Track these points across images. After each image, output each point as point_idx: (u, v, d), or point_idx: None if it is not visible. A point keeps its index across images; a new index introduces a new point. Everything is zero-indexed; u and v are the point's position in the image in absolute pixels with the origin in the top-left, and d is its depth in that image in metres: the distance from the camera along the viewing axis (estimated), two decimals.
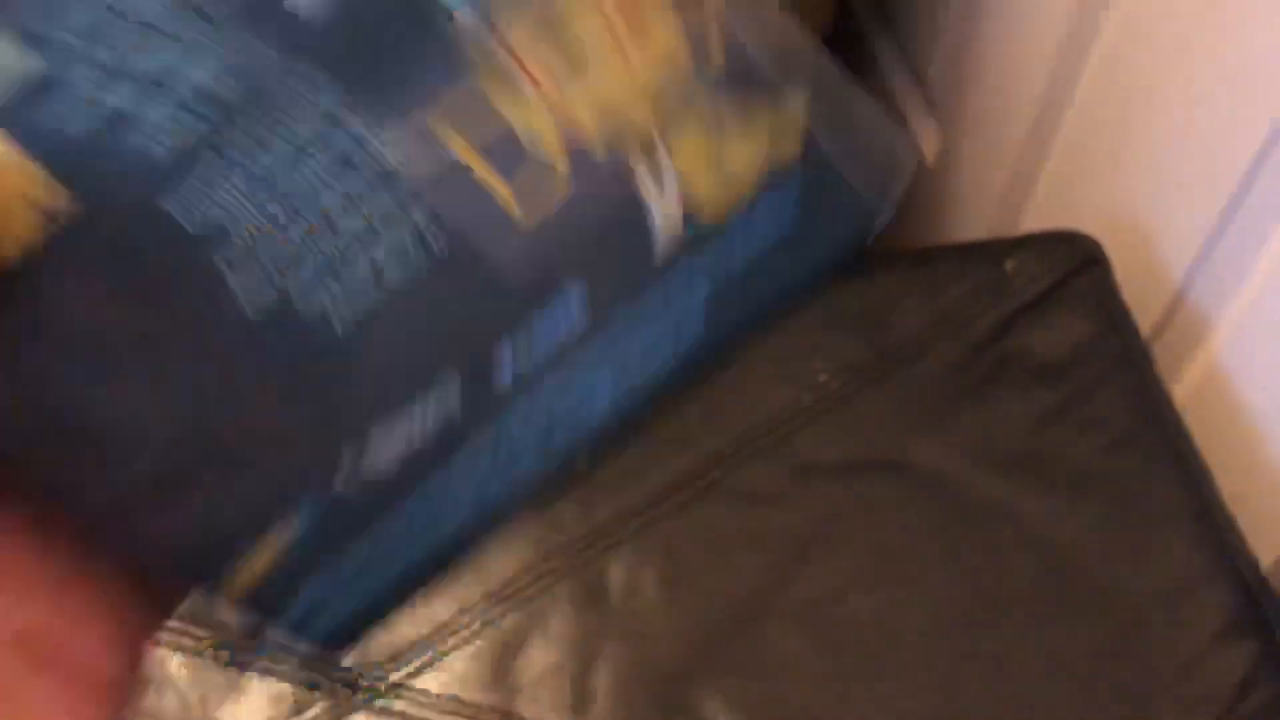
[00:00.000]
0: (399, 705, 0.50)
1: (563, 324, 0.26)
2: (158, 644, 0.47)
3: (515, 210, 0.24)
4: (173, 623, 0.49)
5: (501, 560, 0.53)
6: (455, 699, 0.50)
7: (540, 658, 0.50)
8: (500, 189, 0.24)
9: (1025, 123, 0.68)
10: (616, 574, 0.52)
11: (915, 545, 0.52)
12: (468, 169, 0.24)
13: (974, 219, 0.74)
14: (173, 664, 0.49)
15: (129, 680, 0.27)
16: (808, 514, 0.53)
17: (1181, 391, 0.60)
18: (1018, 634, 0.50)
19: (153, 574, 0.26)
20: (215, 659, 0.49)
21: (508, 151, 0.24)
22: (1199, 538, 0.52)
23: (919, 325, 0.59)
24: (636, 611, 0.52)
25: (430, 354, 0.25)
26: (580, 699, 0.49)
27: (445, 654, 0.50)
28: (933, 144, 0.78)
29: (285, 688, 0.49)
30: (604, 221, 0.25)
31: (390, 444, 0.25)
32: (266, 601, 0.26)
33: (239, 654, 0.49)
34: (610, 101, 0.25)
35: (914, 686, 0.48)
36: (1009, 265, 0.61)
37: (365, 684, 0.49)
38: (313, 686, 0.48)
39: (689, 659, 0.50)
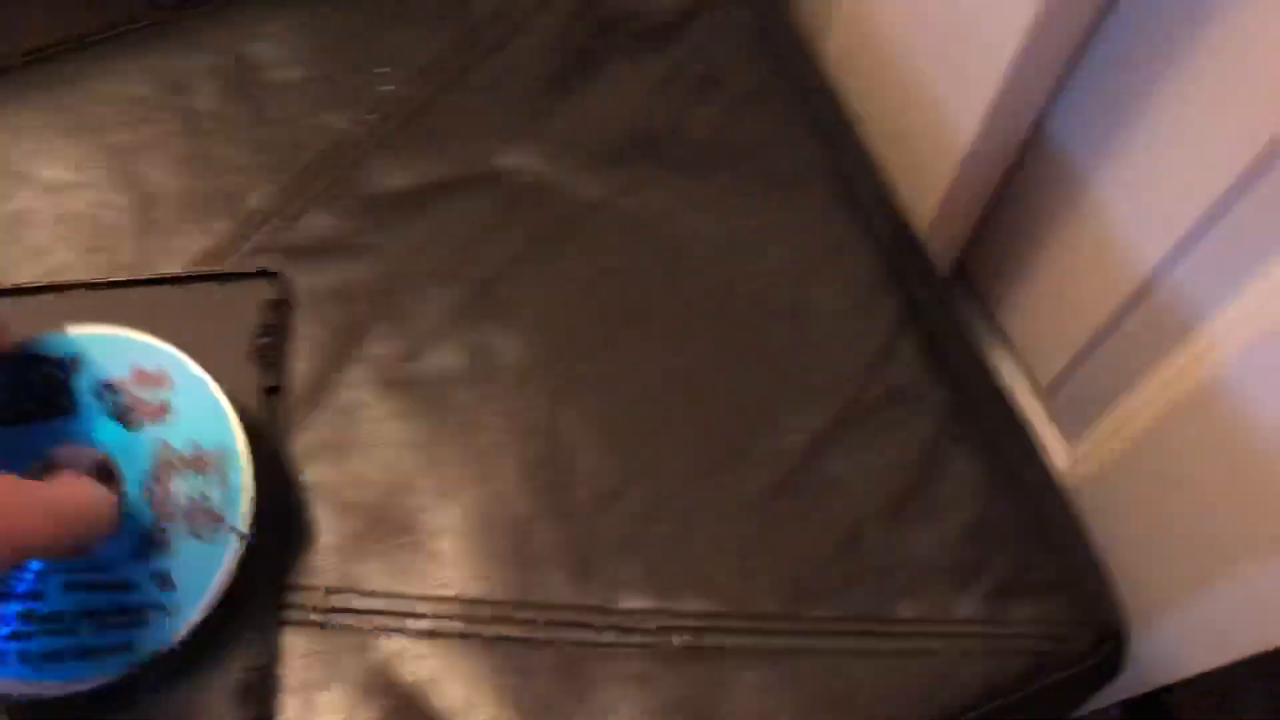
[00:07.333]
0: None
1: None
2: None
3: None
4: None
5: None
6: None
7: None
8: None
9: None
10: None
11: (511, 270, 0.44)
12: None
13: None
14: None
15: None
16: (385, 255, 0.45)
17: (836, 46, 0.51)
18: (632, 350, 0.43)
19: None
20: None
21: None
22: (834, 207, 0.45)
23: (500, 3, 0.49)
24: None
25: None
26: None
27: None
28: None
29: None
30: None
31: None
32: None
33: None
34: None
35: (510, 433, 0.42)
36: None
37: None
38: None
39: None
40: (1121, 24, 0.41)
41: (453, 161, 0.46)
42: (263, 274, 0.43)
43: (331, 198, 0.45)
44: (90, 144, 0.46)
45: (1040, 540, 0.38)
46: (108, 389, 0.39)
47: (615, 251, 0.44)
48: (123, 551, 0.37)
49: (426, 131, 0.46)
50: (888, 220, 0.45)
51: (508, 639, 0.39)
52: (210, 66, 0.47)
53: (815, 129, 0.46)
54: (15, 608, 0.37)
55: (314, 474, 0.41)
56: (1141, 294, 0.46)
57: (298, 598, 0.39)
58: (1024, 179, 0.51)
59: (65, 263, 0.44)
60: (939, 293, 0.44)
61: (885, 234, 0.44)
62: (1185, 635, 0.50)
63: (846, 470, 0.40)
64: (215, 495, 0.38)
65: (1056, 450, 0.56)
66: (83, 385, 0.39)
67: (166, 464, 0.38)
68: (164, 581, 0.37)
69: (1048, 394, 0.57)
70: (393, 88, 0.47)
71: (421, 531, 0.40)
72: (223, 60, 0.47)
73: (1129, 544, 0.52)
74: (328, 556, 0.40)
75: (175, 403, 0.39)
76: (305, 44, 0.47)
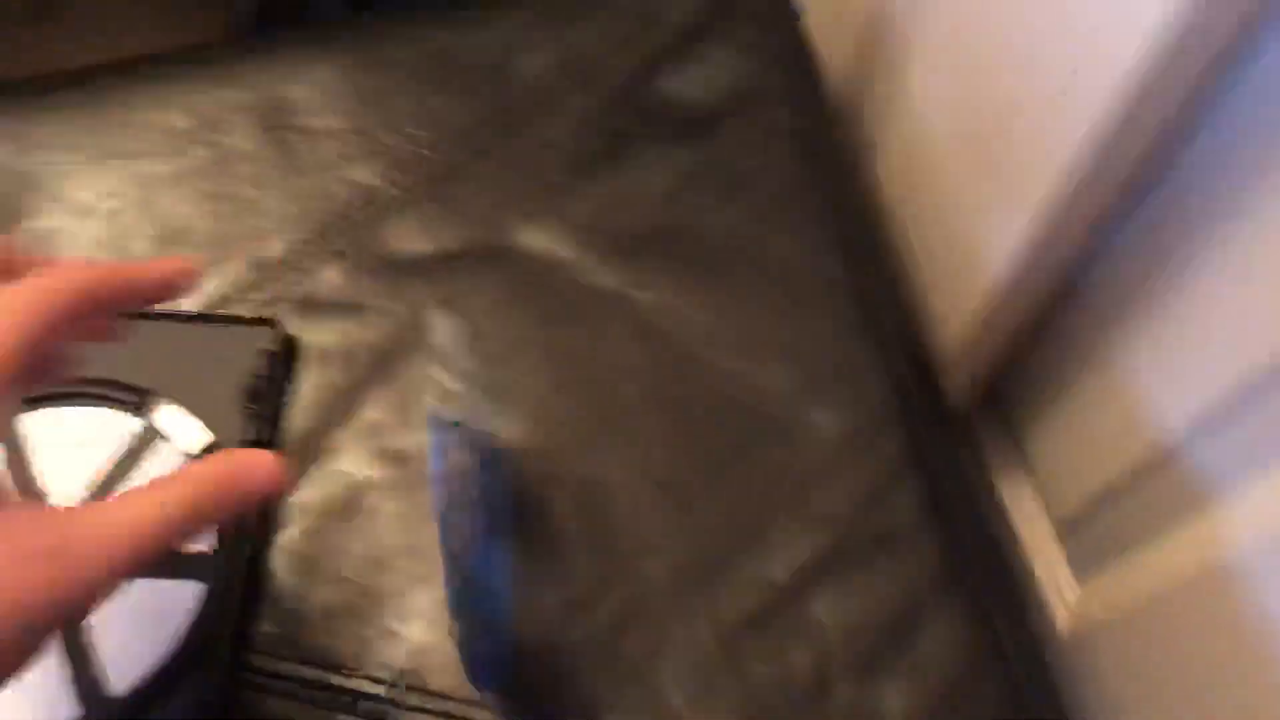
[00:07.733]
0: None
1: None
2: None
3: None
4: None
5: None
6: None
7: None
8: None
9: None
10: None
11: (516, 351, 0.43)
12: None
13: None
14: None
15: None
16: (394, 320, 0.44)
17: (885, 162, 0.49)
18: (626, 449, 0.42)
19: None
20: None
21: None
22: (849, 330, 0.44)
23: (544, 75, 0.48)
24: None
25: None
26: None
27: None
28: None
29: None
30: None
31: None
32: None
33: None
34: None
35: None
36: None
37: None
38: None
39: None
40: (1168, 191, 0.39)
41: (472, 232, 0.45)
42: (262, 321, 0.43)
43: (350, 255, 0.45)
44: (123, 171, 0.46)
45: (1013, 714, 0.37)
46: None
47: (621, 344, 0.43)
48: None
49: (451, 198, 0.46)
50: (904, 350, 0.43)
51: None
52: (248, 106, 0.47)
53: (840, 244, 0.45)
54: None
55: (291, 536, 0.41)
56: (1161, 459, 0.44)
57: (253, 659, 0.39)
58: (1062, 318, 0.49)
59: None
60: (946, 433, 0.42)
61: (898, 364, 0.43)
62: None
63: (826, 613, 0.39)
64: None
65: (1067, 586, 0.54)
66: None
67: None
68: None
69: (1065, 529, 0.55)
70: (425, 150, 0.46)
71: (391, 616, 0.40)
72: (261, 101, 0.47)
73: (1122, 700, 0.50)
74: (289, 625, 0.39)
75: None
76: (345, 93, 0.47)
